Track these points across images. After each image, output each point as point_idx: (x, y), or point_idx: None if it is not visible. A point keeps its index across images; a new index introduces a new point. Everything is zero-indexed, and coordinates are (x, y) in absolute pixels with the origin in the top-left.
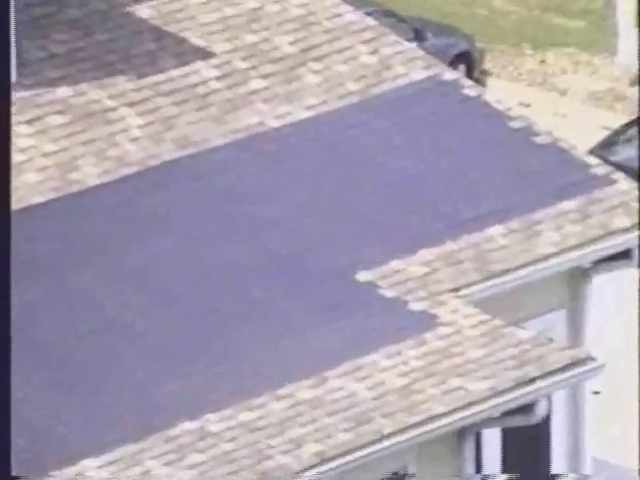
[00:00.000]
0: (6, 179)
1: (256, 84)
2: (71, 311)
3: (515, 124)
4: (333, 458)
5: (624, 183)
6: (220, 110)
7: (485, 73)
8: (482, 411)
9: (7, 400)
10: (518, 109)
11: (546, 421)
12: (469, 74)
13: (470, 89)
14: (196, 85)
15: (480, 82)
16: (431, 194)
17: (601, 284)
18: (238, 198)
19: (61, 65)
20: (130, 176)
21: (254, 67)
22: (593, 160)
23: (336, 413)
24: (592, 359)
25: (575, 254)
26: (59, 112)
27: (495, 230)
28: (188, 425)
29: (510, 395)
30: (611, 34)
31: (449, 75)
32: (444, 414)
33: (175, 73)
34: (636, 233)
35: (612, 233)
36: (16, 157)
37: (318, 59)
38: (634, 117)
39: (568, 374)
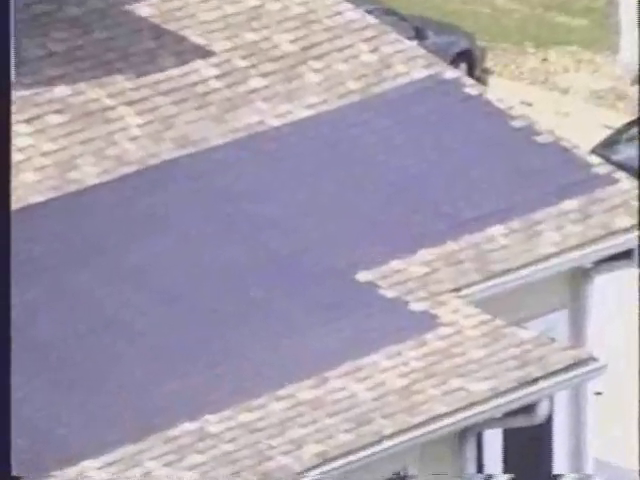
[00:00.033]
0: (6, 179)
1: (256, 83)
2: (70, 311)
3: (516, 123)
4: (334, 459)
5: (626, 182)
6: (220, 109)
7: (486, 72)
8: (483, 412)
9: (7, 400)
10: (520, 108)
11: (548, 422)
12: (470, 73)
13: (471, 88)
14: (196, 84)
15: (481, 81)
16: (432, 193)
17: (602, 284)
18: (238, 197)
19: (60, 64)
20: (129, 175)
21: (254, 66)
22: (595, 159)
23: (337, 414)
24: (594, 359)
25: (576, 254)
26: (58, 111)
27: (496, 230)
28: (188, 426)
29: (512, 396)
30: (613, 32)
31: (450, 74)
32: (445, 415)
33: (174, 72)
34: (637, 233)
35: (614, 233)
36: (14, 156)
37: (318, 57)
38: (636, 116)
39: (570, 374)
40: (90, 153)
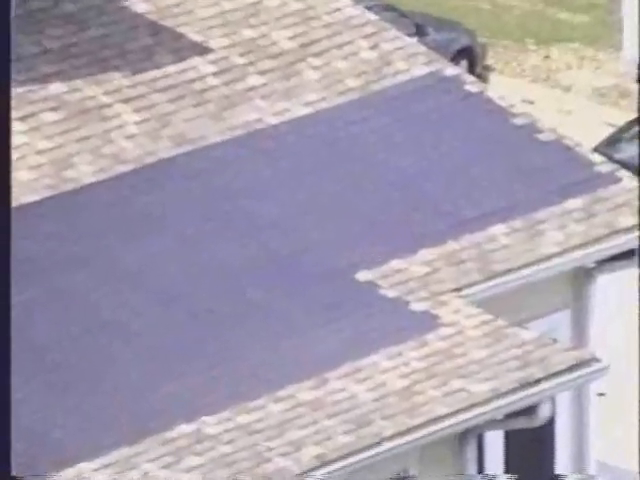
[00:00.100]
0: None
1: (254, 80)
2: (66, 311)
3: (518, 121)
4: (333, 461)
5: (629, 181)
6: (217, 107)
7: (488, 69)
8: (484, 413)
9: (7, 400)
10: (521, 106)
11: (550, 423)
12: (471, 70)
13: (472, 85)
14: (193, 81)
15: (482, 78)
16: (432, 192)
17: (604, 284)
18: (236, 196)
19: (55, 61)
20: (126, 174)
21: (252, 63)
22: (598, 158)
23: (336, 415)
24: (597, 360)
25: (579, 254)
26: (53, 109)
27: (497, 229)
28: (185, 427)
29: (513, 397)
30: (616, 29)
31: (451, 71)
32: (446, 416)
33: (172, 69)
34: (638, 233)
35: (617, 232)
36: None
37: (317, 54)
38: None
39: (572, 375)
40: (86, 151)
